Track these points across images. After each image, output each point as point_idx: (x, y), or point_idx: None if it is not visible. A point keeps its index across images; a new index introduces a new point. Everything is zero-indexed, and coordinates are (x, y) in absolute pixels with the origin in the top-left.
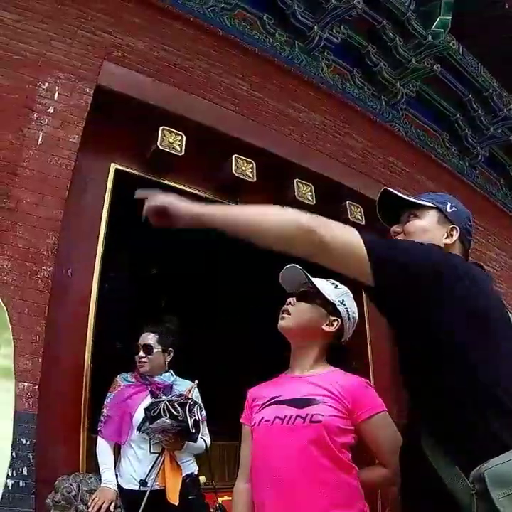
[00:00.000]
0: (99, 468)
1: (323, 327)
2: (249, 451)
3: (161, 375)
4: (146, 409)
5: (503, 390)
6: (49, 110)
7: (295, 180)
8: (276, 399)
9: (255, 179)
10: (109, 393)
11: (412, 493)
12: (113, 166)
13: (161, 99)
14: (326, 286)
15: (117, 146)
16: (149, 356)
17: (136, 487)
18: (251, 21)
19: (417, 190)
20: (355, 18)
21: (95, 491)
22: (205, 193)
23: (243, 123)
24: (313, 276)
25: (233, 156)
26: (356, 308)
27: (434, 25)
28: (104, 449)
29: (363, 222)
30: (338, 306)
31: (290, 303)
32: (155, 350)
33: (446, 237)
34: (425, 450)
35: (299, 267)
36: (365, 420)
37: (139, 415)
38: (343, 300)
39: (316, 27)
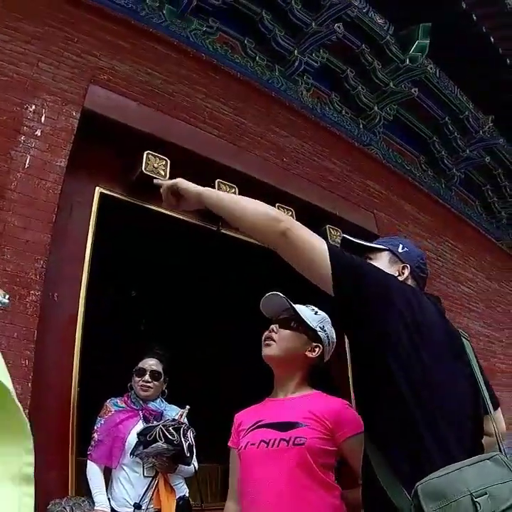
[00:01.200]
0: (89, 492)
1: (306, 353)
2: (237, 473)
3: (154, 401)
4: (139, 434)
5: (438, 410)
6: (36, 133)
7: (276, 205)
8: (260, 422)
9: None
10: (99, 418)
11: (368, 503)
12: (98, 190)
13: (145, 123)
14: (307, 313)
15: (102, 170)
16: (155, 382)
17: (130, 510)
18: (232, 45)
19: (395, 213)
20: (334, 42)
21: None
22: (189, 217)
23: (225, 148)
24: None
25: (216, 181)
26: (334, 332)
27: (412, 50)
28: (95, 472)
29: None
30: (319, 333)
31: (273, 330)
32: (161, 378)
33: (398, 275)
34: (370, 458)
35: (281, 294)
36: (346, 440)
37: (131, 440)
38: (323, 326)
39: (296, 51)
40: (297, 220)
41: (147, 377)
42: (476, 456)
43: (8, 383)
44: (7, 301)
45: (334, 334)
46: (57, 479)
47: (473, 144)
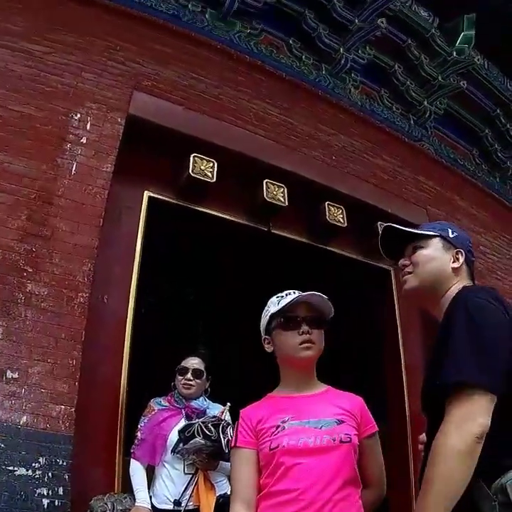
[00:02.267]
0: (132, 489)
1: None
2: (251, 474)
3: (197, 399)
4: (180, 431)
5: None
6: (82, 140)
7: (326, 203)
8: (294, 419)
9: (287, 203)
10: (142, 417)
11: None
12: (146, 194)
13: (191, 127)
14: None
15: (150, 174)
16: (197, 381)
17: (170, 507)
18: (277, 45)
19: (448, 209)
20: (379, 38)
21: (129, 510)
22: (239, 218)
23: (273, 148)
24: None
25: (264, 181)
26: None
27: (458, 42)
28: (137, 469)
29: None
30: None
31: (308, 332)
32: (203, 376)
33: (453, 262)
34: None
35: (320, 294)
36: (368, 437)
37: (173, 437)
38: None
39: (341, 49)
40: (348, 218)
41: (189, 375)
42: None
43: None
44: None
45: None
46: (104, 477)
47: None
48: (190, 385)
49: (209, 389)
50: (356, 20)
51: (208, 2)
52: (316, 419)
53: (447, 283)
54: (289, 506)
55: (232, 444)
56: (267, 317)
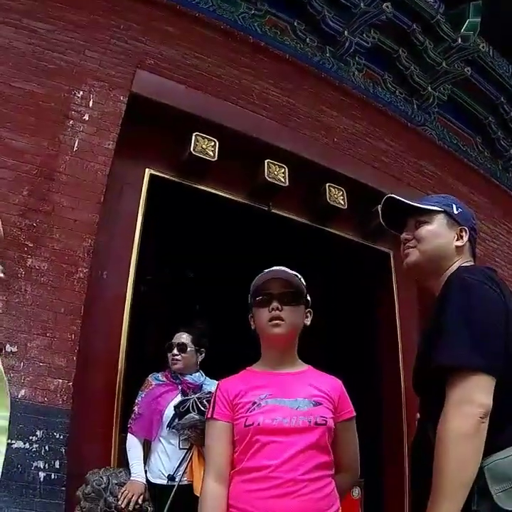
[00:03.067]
0: (128, 464)
1: (304, 322)
2: (225, 447)
3: (191, 374)
4: (175, 407)
5: None
6: (84, 118)
7: (327, 185)
8: (269, 397)
9: (287, 183)
10: (140, 392)
11: (422, 484)
12: (148, 172)
13: (194, 106)
14: (300, 282)
15: (152, 152)
16: (183, 354)
17: (164, 481)
18: (282, 27)
19: (449, 194)
20: (384, 22)
21: (124, 484)
22: (239, 197)
23: (275, 128)
24: None
25: (265, 161)
26: None
27: (463, 28)
28: (133, 444)
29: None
30: (308, 297)
31: (278, 308)
32: (189, 349)
33: (457, 240)
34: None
35: (287, 269)
36: (344, 421)
37: (169, 412)
38: (307, 290)
39: (346, 32)
40: (348, 200)
41: (175, 350)
42: None
43: None
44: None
45: None
46: (100, 451)
47: None
48: (177, 360)
49: (199, 362)
50: (361, 4)
51: None
52: (293, 399)
53: (449, 261)
54: (261, 483)
55: (208, 415)
56: (250, 295)
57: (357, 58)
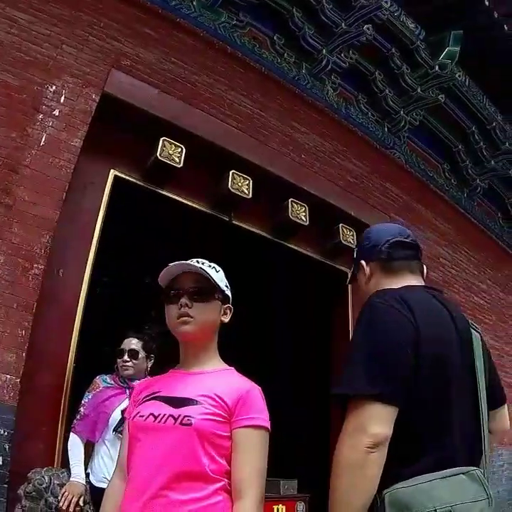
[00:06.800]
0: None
1: (221, 318)
2: (126, 446)
3: (139, 380)
4: (123, 411)
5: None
6: (54, 113)
7: (290, 200)
8: (156, 394)
9: (251, 196)
10: (87, 393)
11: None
12: (112, 172)
13: (165, 111)
14: (215, 275)
15: (118, 153)
16: (134, 361)
17: (106, 485)
18: (261, 40)
19: (412, 218)
20: (364, 43)
21: (65, 485)
22: (201, 206)
23: (243, 140)
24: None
25: (231, 172)
26: None
27: (441, 56)
28: (75, 444)
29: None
30: (226, 292)
31: (187, 304)
32: (140, 356)
33: (365, 277)
34: None
35: (194, 263)
36: (241, 428)
37: (116, 416)
38: (226, 283)
39: (324, 50)
40: (310, 217)
41: (125, 356)
42: (457, 467)
43: None
44: None
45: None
46: (45, 450)
47: (498, 156)
48: (128, 366)
49: (149, 368)
50: (343, 24)
51: None
52: (174, 396)
53: (373, 288)
54: (129, 482)
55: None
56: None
57: (333, 77)
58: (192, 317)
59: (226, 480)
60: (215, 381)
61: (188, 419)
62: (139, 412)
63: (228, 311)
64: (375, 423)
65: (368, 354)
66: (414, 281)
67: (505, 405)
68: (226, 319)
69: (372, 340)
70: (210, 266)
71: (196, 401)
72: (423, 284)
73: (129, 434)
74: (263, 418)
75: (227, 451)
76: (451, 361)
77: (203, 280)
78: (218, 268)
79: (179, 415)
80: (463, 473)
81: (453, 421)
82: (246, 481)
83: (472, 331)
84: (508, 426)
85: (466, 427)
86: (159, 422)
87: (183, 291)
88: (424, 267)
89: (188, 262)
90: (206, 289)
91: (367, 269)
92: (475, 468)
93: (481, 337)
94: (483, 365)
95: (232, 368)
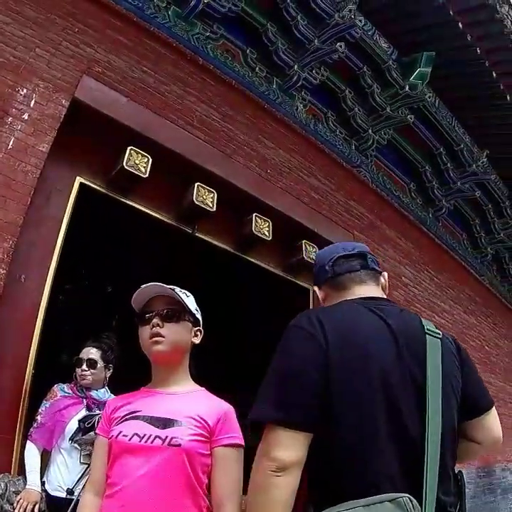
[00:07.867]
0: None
1: (192, 340)
2: (102, 463)
3: (97, 390)
4: (80, 421)
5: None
6: (23, 116)
7: (254, 215)
8: (136, 413)
9: (215, 209)
10: (44, 401)
11: None
12: (78, 180)
13: (132, 120)
14: (186, 299)
15: (85, 161)
16: (92, 370)
17: (63, 495)
18: (233, 53)
19: (376, 236)
20: (336, 61)
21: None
22: (166, 217)
23: (210, 152)
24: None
25: (196, 184)
26: None
27: (412, 77)
28: (31, 452)
29: None
30: (196, 315)
31: (158, 325)
32: (98, 365)
33: (321, 301)
34: None
35: (165, 285)
36: (221, 447)
37: (72, 425)
38: (196, 307)
39: (296, 66)
40: (273, 232)
41: (84, 366)
42: (383, 494)
43: None
44: None
45: None
46: (2, 457)
47: (465, 177)
48: (86, 375)
49: (107, 379)
50: (316, 41)
51: None
52: (157, 416)
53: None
54: (115, 500)
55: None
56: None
57: (303, 93)
58: (163, 336)
59: (207, 495)
60: (194, 402)
61: (176, 440)
62: (121, 432)
63: (199, 333)
64: (279, 448)
65: (275, 379)
66: (362, 291)
67: (492, 411)
68: (197, 341)
69: (279, 365)
70: (181, 291)
71: (181, 422)
72: (377, 292)
73: (111, 453)
74: (240, 437)
75: (208, 468)
76: (380, 379)
77: (174, 303)
78: (189, 294)
79: (166, 436)
80: (389, 501)
81: (380, 444)
82: (227, 496)
83: (429, 338)
84: (498, 434)
85: (406, 448)
86: (146, 442)
87: (155, 312)
88: (383, 273)
89: (160, 284)
90: (177, 311)
91: (320, 293)
92: (405, 495)
93: (449, 341)
94: (444, 372)
95: (204, 388)
